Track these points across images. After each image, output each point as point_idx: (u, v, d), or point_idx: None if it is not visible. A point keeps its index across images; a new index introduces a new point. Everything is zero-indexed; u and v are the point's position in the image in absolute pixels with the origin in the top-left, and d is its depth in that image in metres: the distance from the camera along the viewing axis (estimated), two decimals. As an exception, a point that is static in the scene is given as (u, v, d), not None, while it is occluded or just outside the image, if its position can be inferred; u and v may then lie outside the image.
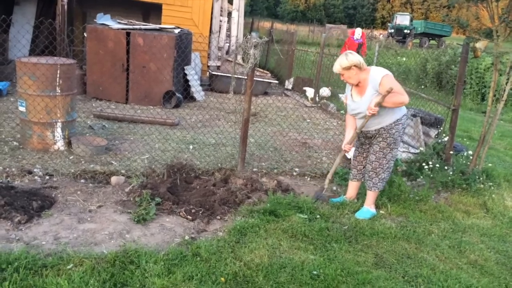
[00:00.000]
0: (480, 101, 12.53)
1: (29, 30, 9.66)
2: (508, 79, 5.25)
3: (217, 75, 10.14)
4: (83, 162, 4.95)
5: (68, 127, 5.31)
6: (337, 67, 4.07)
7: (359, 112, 4.13)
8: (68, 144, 5.28)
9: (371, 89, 4.01)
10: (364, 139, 4.35)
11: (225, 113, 7.56)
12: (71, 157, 5.06)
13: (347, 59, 4.00)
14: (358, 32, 14.26)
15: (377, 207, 4.43)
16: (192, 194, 4.39)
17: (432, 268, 3.49)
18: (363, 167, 4.42)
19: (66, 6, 10.49)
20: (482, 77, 12.45)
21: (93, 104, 7.83)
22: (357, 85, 4.11)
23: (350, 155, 4.78)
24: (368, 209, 4.31)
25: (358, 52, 13.07)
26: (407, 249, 3.75)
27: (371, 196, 4.33)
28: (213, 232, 3.78)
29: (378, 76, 3.95)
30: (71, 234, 3.48)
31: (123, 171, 4.75)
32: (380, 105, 3.94)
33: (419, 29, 34.66)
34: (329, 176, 4.52)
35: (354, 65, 3.99)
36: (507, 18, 4.98)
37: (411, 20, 35.45)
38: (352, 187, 4.56)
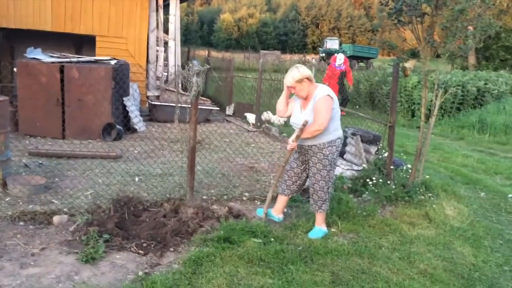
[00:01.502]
0: (411, 117, 13.28)
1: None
2: (436, 95, 5.63)
3: (157, 104, 10.02)
4: (21, 203, 4.65)
5: (2, 167, 4.99)
6: (289, 80, 4.14)
7: (297, 124, 4.23)
8: (3, 185, 4.95)
9: (311, 104, 4.13)
10: (298, 154, 4.41)
11: (169, 143, 7.45)
12: (7, 199, 4.74)
13: (299, 71, 4.10)
14: (340, 58, 12.43)
15: (328, 225, 4.51)
16: (142, 228, 4.25)
17: (387, 281, 3.59)
18: (296, 186, 4.52)
19: (-9, 41, 10.03)
20: (410, 95, 13.24)
21: (28, 142, 7.44)
22: (305, 98, 4.21)
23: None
24: (320, 228, 4.37)
25: (341, 81, 12.28)
26: (361, 264, 3.84)
27: (319, 216, 4.40)
28: (167, 265, 3.67)
29: (319, 94, 4.09)
30: (14, 281, 3.25)
31: (65, 210, 4.51)
32: (298, 138, 4.11)
33: (348, 52, 36.37)
34: (264, 209, 4.58)
35: (306, 78, 4.10)
36: (431, 39, 5.36)
37: (340, 44, 37.24)
38: (280, 201, 4.62)
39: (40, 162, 6.15)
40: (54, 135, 7.84)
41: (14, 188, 4.84)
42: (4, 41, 11.49)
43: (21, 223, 4.25)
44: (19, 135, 7.76)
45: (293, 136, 4.23)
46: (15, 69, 8.08)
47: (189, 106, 4.84)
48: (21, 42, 10.94)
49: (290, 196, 4.63)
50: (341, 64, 12.24)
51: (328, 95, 4.09)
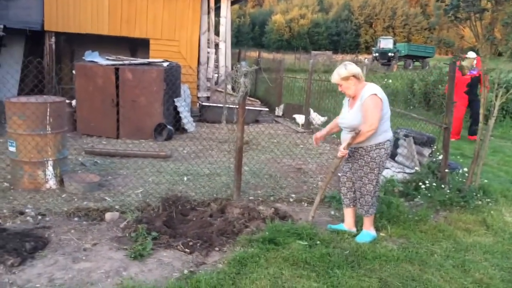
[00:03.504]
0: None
1: (17, 70, 9.67)
2: (496, 95, 5.32)
3: (208, 105, 10.17)
4: (76, 199, 4.85)
5: (59, 165, 5.23)
6: (335, 77, 4.03)
7: (343, 123, 4.14)
8: (60, 182, 5.20)
9: (359, 103, 3.98)
10: (347, 157, 4.26)
11: (217, 143, 7.53)
12: (63, 195, 4.96)
13: (346, 69, 3.98)
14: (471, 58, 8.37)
15: (377, 229, 4.37)
16: (189, 227, 4.30)
17: (438, 289, 3.42)
18: (353, 193, 4.32)
19: (54, 45, 10.59)
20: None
21: (84, 141, 7.77)
22: (352, 97, 4.08)
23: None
24: (368, 232, 4.23)
25: (473, 90, 8.63)
26: (411, 271, 3.68)
27: (367, 220, 4.24)
28: (212, 264, 3.69)
29: (366, 93, 3.93)
30: (66, 274, 3.38)
31: (117, 207, 4.67)
32: (350, 146, 3.98)
33: (403, 51, 35.35)
34: (312, 213, 4.48)
35: (353, 76, 3.95)
36: (491, 35, 5.07)
37: (395, 43, 36.18)
38: (348, 214, 4.41)
39: (95, 160, 6.40)
40: (109, 135, 8.14)
41: (70, 185, 5.06)
42: (65, 45, 12.09)
43: (76, 218, 4.43)
44: (76, 134, 8.13)
45: (345, 144, 4.06)
46: (74, 72, 8.47)
47: (237, 106, 4.86)
48: (81, 45, 11.47)
49: (352, 206, 4.37)
50: (472, 68, 8.89)
51: (375, 94, 3.92)
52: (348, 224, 4.41)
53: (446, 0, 5.44)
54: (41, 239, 3.90)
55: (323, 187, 4.49)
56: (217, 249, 3.94)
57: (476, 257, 4.01)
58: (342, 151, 4.08)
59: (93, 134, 8.18)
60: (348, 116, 4.09)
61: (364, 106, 3.92)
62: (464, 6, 5.13)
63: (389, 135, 4.09)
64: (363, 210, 4.21)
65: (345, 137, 4.14)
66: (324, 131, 4.48)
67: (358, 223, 4.42)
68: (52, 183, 5.15)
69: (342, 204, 4.45)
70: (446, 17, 5.56)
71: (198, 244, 3.97)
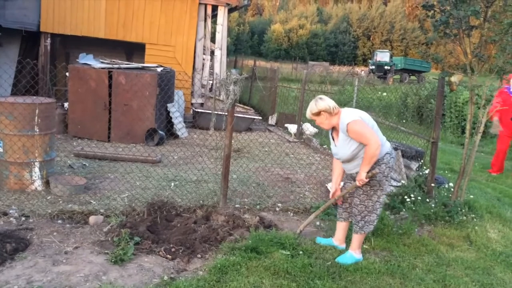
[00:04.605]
0: (461, 134, 12.72)
1: (12, 70, 9.66)
2: (484, 112, 5.36)
3: (200, 112, 10.18)
4: (61, 202, 4.83)
5: (46, 166, 5.22)
6: (308, 113, 3.97)
7: (339, 157, 4.04)
8: (46, 184, 5.17)
9: (342, 134, 3.89)
10: (348, 179, 4.21)
11: (207, 150, 7.53)
12: (48, 197, 4.94)
13: (316, 104, 3.88)
14: None
15: (361, 241, 4.36)
16: (173, 233, 4.30)
17: (417, 303, 3.42)
18: (349, 206, 4.21)
19: (49, 47, 10.59)
20: (461, 111, 12.71)
21: (74, 143, 7.75)
22: (334, 128, 4.01)
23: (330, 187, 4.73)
24: (352, 254, 4.06)
25: None
26: (392, 284, 3.69)
27: (356, 239, 4.08)
28: (193, 271, 3.68)
29: (345, 122, 3.81)
30: (45, 277, 3.36)
31: (102, 211, 4.65)
32: (369, 171, 3.85)
33: (399, 65, 35.59)
34: (301, 227, 4.40)
35: (323, 111, 3.85)
36: (479, 52, 5.12)
37: (391, 57, 36.44)
38: (340, 229, 4.31)
39: (84, 163, 6.38)
40: (100, 138, 8.12)
41: (55, 187, 5.04)
42: (61, 46, 12.10)
43: (59, 221, 4.41)
44: (68, 136, 8.10)
45: (363, 172, 3.85)
46: (67, 74, 8.47)
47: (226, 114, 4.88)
48: (76, 48, 11.49)
49: (346, 221, 4.27)
50: None
51: (353, 120, 3.79)
52: (338, 240, 4.31)
53: (436, 16, 5.50)
54: (22, 240, 3.88)
55: (322, 209, 4.40)
56: (199, 256, 3.94)
57: (457, 273, 4.02)
58: (363, 179, 3.86)
59: (84, 136, 8.17)
60: (339, 151, 3.98)
61: (353, 135, 3.80)
62: (454, 22, 5.19)
63: (385, 148, 3.94)
64: (357, 227, 4.06)
65: (347, 167, 4.06)
66: (336, 184, 4.26)
67: (347, 237, 4.34)
68: (37, 184, 5.13)
69: (337, 217, 4.34)
70: (435, 33, 5.62)
71: (181, 251, 3.97)
